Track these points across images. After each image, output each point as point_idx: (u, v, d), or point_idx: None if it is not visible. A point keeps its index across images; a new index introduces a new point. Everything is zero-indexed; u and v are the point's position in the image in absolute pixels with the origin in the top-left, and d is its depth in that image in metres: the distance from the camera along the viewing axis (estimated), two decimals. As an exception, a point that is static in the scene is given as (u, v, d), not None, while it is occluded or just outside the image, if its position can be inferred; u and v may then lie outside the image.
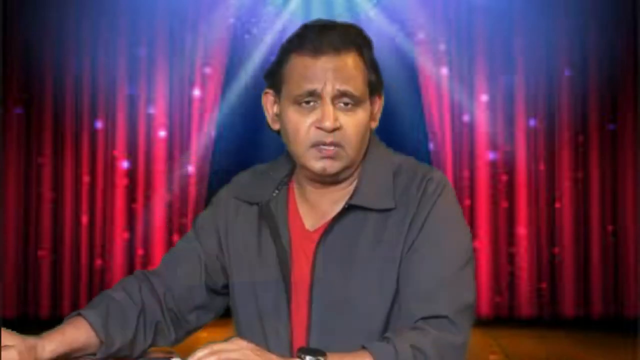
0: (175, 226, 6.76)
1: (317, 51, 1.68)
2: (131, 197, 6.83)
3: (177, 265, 1.85)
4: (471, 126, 6.88)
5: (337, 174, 1.73)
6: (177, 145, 6.84)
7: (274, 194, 1.82)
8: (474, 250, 6.34)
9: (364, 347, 1.58)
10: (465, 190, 6.85)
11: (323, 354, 1.53)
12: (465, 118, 6.89)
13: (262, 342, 1.72)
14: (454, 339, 1.62)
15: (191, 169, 6.84)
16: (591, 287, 6.81)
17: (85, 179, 6.80)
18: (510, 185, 6.88)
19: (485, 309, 6.82)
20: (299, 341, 1.72)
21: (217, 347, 1.48)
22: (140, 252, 6.69)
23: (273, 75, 1.76)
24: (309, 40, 1.69)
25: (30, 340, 1.61)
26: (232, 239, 1.83)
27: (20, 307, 6.64)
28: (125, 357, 1.75)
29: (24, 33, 6.65)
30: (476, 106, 6.87)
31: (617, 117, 6.82)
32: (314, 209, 1.79)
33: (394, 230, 1.70)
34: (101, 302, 1.75)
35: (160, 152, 6.82)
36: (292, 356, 1.61)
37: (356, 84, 1.69)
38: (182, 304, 1.83)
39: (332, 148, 1.69)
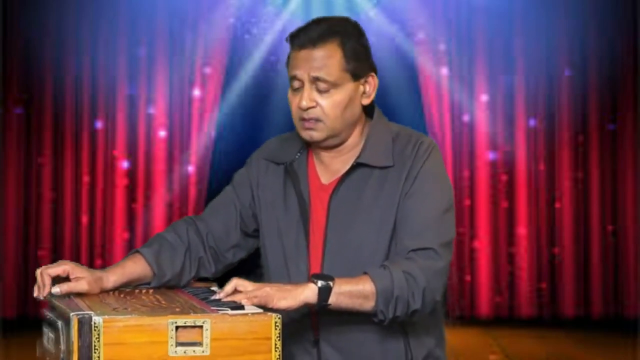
0: (175, 226, 7.02)
1: (299, 45, 2.21)
2: (131, 197, 7.06)
3: (218, 212, 2.37)
4: (471, 126, 7.11)
5: (322, 141, 2.25)
6: (177, 145, 7.07)
7: (297, 156, 2.33)
8: (474, 250, 6.61)
9: (365, 273, 2.09)
10: (465, 190, 7.08)
11: (331, 279, 2.05)
12: (465, 118, 7.12)
13: (285, 274, 2.25)
14: (438, 265, 2.14)
15: (191, 169, 7.08)
16: (591, 287, 7.02)
17: (85, 179, 7.01)
18: (510, 185, 7.10)
19: (485, 309, 7.07)
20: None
21: (240, 282, 1.99)
22: (140, 252, 6.93)
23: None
24: (297, 37, 2.23)
25: (97, 272, 2.11)
26: (262, 192, 2.35)
27: (20, 307, 6.83)
28: (174, 286, 2.25)
29: (24, 33, 6.87)
30: (476, 106, 7.10)
31: (617, 117, 7.04)
32: (328, 167, 2.30)
33: (392, 183, 2.21)
34: (155, 241, 2.27)
35: (160, 152, 7.04)
36: None
37: (329, 70, 2.19)
38: (220, 243, 2.34)
39: (311, 122, 2.21)
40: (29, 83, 6.98)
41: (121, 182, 7.08)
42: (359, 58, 2.23)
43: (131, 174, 7.09)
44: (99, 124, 7.06)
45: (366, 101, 2.27)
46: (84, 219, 7.03)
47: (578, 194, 7.10)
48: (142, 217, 7.08)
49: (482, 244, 7.12)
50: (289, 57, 2.26)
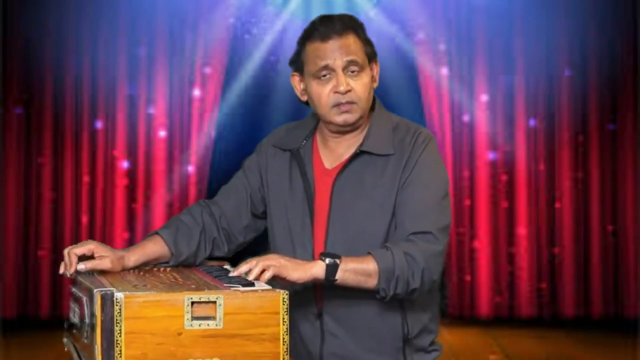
0: (176, 226, 7.11)
1: (325, 37, 2.43)
2: (131, 197, 7.16)
3: (229, 196, 2.60)
4: (471, 126, 7.20)
5: (354, 123, 2.46)
6: (177, 145, 7.17)
7: (303, 143, 2.56)
8: (474, 250, 6.74)
9: (369, 253, 2.31)
10: (465, 190, 7.18)
11: (338, 257, 2.27)
12: (465, 118, 7.22)
13: (291, 253, 2.45)
14: (436, 248, 2.36)
15: (191, 169, 7.19)
16: (591, 287, 7.11)
17: (85, 179, 7.11)
18: (510, 185, 7.20)
19: (485, 309, 7.17)
20: (319, 252, 2.39)
21: (255, 259, 2.20)
22: (140, 252, 7.03)
23: (296, 62, 2.52)
24: (317, 31, 2.44)
25: (119, 252, 2.35)
26: (271, 176, 2.57)
27: (20, 307, 6.95)
28: (189, 264, 2.47)
29: (24, 33, 6.97)
30: (476, 106, 7.20)
31: (617, 117, 7.13)
32: (332, 153, 2.52)
33: (392, 170, 2.43)
34: (172, 223, 2.50)
35: (160, 152, 7.15)
36: None
37: (358, 54, 2.43)
38: (232, 225, 2.57)
39: (347, 105, 2.42)
40: (29, 83, 7.07)
41: (121, 182, 7.18)
42: (370, 43, 2.49)
43: (131, 174, 7.19)
44: (99, 124, 7.17)
45: (375, 84, 2.51)
46: (84, 219, 7.13)
47: (578, 194, 7.20)
48: (142, 217, 7.18)
49: (482, 244, 7.22)
50: (305, 53, 2.45)
